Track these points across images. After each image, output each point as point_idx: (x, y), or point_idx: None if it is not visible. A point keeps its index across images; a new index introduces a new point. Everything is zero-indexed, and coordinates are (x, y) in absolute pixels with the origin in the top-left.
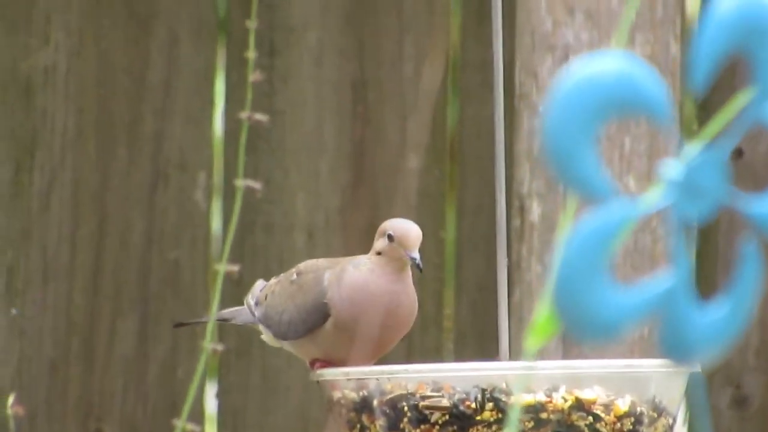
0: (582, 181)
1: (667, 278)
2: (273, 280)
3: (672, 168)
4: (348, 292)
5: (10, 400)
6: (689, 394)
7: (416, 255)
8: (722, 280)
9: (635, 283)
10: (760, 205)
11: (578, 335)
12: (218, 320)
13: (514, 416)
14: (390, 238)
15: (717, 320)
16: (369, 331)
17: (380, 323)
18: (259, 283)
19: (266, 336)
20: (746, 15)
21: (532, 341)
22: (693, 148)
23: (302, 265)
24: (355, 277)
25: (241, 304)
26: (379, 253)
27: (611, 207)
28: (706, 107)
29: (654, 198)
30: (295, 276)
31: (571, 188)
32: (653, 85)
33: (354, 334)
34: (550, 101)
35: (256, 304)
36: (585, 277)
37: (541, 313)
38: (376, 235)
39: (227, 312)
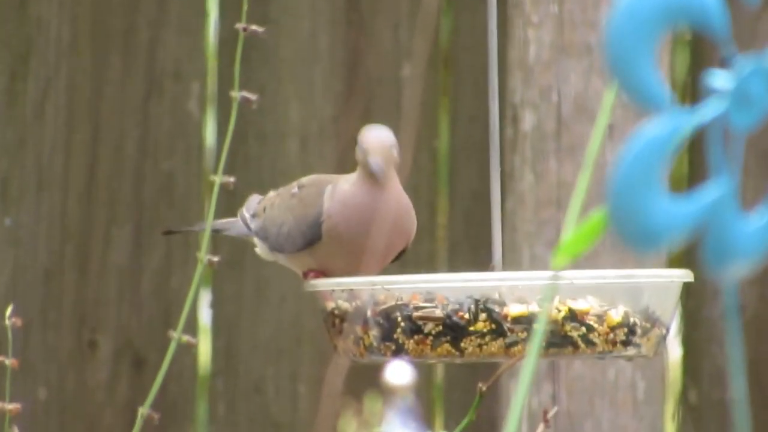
0: (641, 90)
1: (714, 189)
2: (272, 193)
3: (722, 78)
4: (338, 207)
5: (9, 310)
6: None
7: (375, 160)
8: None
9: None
10: None
11: (629, 243)
12: (212, 231)
13: (540, 328)
14: (360, 147)
15: (758, 230)
16: (361, 243)
17: (371, 233)
18: (255, 197)
19: (261, 249)
20: None
21: (560, 258)
22: (743, 59)
23: (304, 179)
24: (343, 192)
25: (233, 214)
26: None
27: (667, 117)
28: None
29: (706, 109)
30: (296, 189)
31: (629, 96)
32: None
33: (349, 247)
34: (613, 10)
35: (253, 216)
36: (640, 186)
37: (571, 229)
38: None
39: (221, 223)
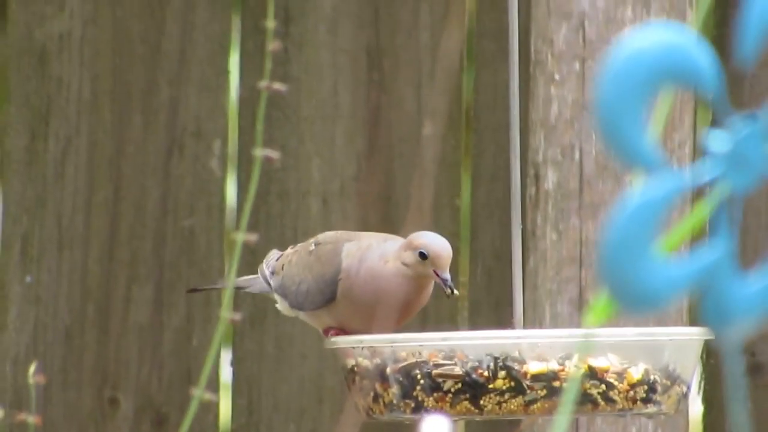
0: (632, 152)
1: (712, 250)
2: (290, 250)
3: (719, 139)
4: (364, 276)
5: (32, 368)
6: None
7: (448, 276)
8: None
9: (681, 254)
10: None
11: (625, 305)
12: (234, 288)
13: (573, 387)
14: (422, 255)
15: (758, 291)
16: (377, 303)
17: (386, 297)
18: (274, 253)
19: (281, 305)
20: None
21: (591, 321)
22: (740, 120)
23: (321, 236)
24: (378, 269)
25: (255, 271)
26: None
27: (659, 179)
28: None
29: (701, 170)
30: (313, 246)
31: (621, 159)
32: (703, 57)
33: (365, 306)
34: (602, 73)
35: (272, 273)
36: (633, 249)
37: (602, 293)
38: (404, 245)
39: (242, 280)
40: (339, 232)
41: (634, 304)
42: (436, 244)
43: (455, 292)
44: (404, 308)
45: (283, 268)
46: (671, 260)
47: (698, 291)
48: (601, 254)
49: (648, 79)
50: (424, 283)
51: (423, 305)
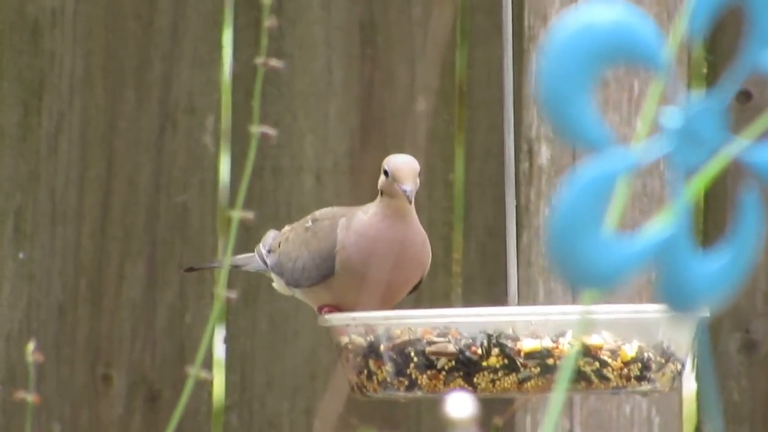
0: (577, 129)
1: (666, 226)
2: (286, 228)
3: (671, 116)
4: (354, 238)
5: (30, 347)
6: (695, 340)
7: (407, 187)
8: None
9: (640, 228)
10: (759, 154)
11: (575, 284)
12: (230, 266)
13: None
14: (386, 173)
15: (718, 268)
16: (377, 276)
17: (387, 267)
18: (271, 233)
19: (278, 284)
20: None
21: (587, 297)
22: (692, 96)
23: (317, 213)
24: (361, 222)
25: (249, 249)
26: (381, 193)
27: (608, 156)
28: (714, 50)
29: (652, 146)
30: (310, 223)
31: (566, 136)
32: (649, 33)
33: (363, 279)
34: (546, 49)
35: (269, 252)
36: (583, 226)
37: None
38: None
39: (239, 258)
40: (336, 208)
41: (584, 282)
42: (396, 158)
43: (411, 201)
44: (403, 256)
45: (279, 246)
46: (623, 238)
47: (655, 269)
48: (550, 232)
49: (593, 55)
50: (400, 206)
51: (420, 256)
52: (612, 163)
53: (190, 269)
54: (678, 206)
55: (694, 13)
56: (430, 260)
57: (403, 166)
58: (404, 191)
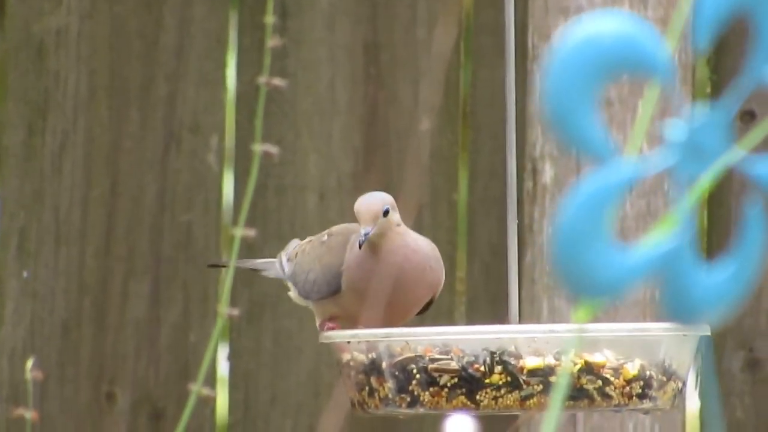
0: (583, 140)
1: (669, 239)
2: (306, 240)
3: (675, 129)
4: (357, 257)
5: (29, 363)
6: (698, 357)
7: (362, 231)
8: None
9: (636, 243)
10: (763, 167)
11: (578, 296)
12: (251, 269)
13: (564, 382)
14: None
15: (721, 282)
16: (378, 297)
17: (388, 289)
18: (294, 241)
19: (293, 293)
20: None
21: (580, 315)
22: (697, 110)
23: (335, 228)
24: (355, 251)
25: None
26: None
27: (612, 167)
28: (718, 70)
29: (656, 159)
30: (326, 237)
31: (572, 147)
32: (653, 46)
33: (366, 300)
34: (550, 62)
35: (288, 260)
36: (586, 238)
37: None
38: None
39: (260, 263)
40: (352, 224)
41: (588, 293)
42: (360, 200)
43: (360, 246)
44: (404, 277)
45: (296, 256)
46: (626, 249)
47: (658, 281)
48: (554, 244)
49: (597, 67)
50: (378, 243)
51: (428, 281)
52: (615, 175)
53: (214, 265)
54: (679, 215)
55: (697, 31)
56: (442, 277)
57: (361, 207)
58: (359, 235)
